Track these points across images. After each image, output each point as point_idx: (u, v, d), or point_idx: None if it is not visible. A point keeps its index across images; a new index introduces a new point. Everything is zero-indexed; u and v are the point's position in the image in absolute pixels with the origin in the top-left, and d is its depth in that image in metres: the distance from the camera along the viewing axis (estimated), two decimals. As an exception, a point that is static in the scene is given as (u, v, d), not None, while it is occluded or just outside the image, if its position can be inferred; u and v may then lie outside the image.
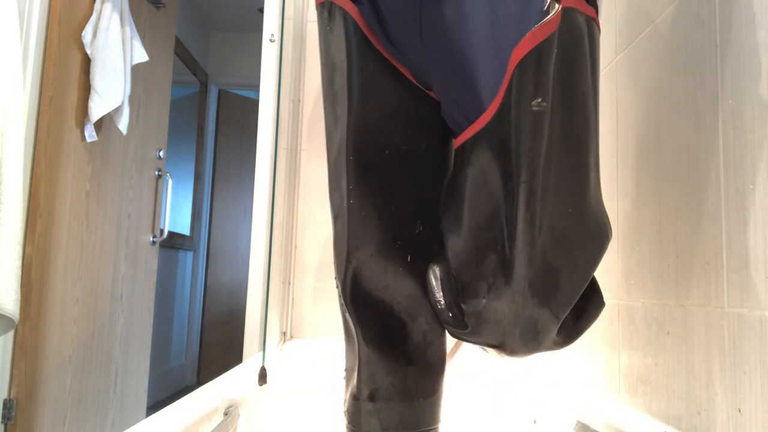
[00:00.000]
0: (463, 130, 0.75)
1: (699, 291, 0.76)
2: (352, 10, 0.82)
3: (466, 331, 0.73)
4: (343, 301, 0.85)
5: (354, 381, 0.85)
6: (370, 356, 0.83)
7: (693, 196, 0.79)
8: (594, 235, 0.71)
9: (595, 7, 0.72)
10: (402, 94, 0.82)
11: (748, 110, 0.68)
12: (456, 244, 0.75)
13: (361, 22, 0.81)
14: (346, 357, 0.90)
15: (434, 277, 0.79)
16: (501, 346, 0.72)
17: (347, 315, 0.85)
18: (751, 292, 0.66)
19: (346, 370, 0.90)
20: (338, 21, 0.83)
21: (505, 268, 0.67)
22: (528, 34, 0.64)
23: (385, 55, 0.81)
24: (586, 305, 0.75)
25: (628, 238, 1.00)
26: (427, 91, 0.83)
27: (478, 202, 0.71)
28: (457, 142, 0.77)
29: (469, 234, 0.72)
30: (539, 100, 0.64)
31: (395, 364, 0.83)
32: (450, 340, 0.89)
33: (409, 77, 0.82)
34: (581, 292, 0.71)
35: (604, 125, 1.11)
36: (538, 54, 0.64)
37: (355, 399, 0.84)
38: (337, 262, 0.85)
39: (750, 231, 0.66)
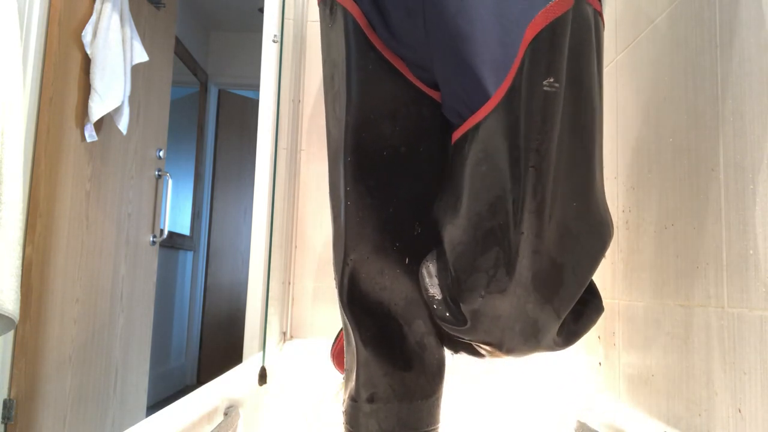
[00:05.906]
0: (465, 120, 0.73)
1: (699, 291, 0.76)
2: (353, 8, 0.80)
3: (465, 328, 0.71)
4: (340, 303, 0.84)
5: (352, 382, 0.85)
6: (368, 358, 0.82)
7: (693, 196, 0.79)
8: (597, 231, 0.69)
9: (601, 2, 0.71)
10: (401, 96, 0.81)
11: (748, 110, 0.68)
12: (454, 235, 0.72)
13: (361, 21, 0.80)
14: (346, 357, 0.90)
15: (428, 273, 0.78)
16: (498, 344, 0.70)
17: (345, 316, 0.85)
18: (751, 292, 0.65)
19: (345, 370, 0.90)
20: (339, 19, 0.82)
21: (508, 259, 0.65)
22: (542, 12, 0.61)
23: (386, 55, 0.81)
24: (585, 309, 0.73)
25: (628, 237, 1.00)
26: (429, 91, 0.82)
27: (482, 190, 0.69)
28: (457, 134, 0.75)
29: (470, 224, 0.70)
30: (551, 80, 0.61)
31: (393, 366, 0.83)
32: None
33: (410, 77, 0.81)
34: (582, 291, 0.70)
35: (604, 125, 1.11)
36: (552, 31, 0.61)
37: (354, 400, 0.84)
38: (335, 263, 0.85)
39: (750, 231, 0.66)
